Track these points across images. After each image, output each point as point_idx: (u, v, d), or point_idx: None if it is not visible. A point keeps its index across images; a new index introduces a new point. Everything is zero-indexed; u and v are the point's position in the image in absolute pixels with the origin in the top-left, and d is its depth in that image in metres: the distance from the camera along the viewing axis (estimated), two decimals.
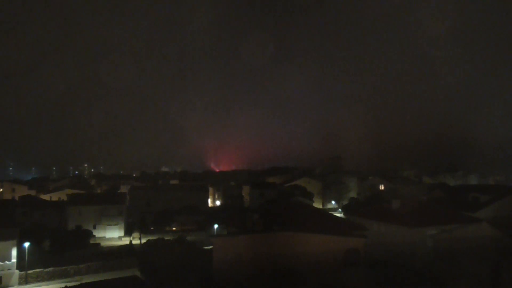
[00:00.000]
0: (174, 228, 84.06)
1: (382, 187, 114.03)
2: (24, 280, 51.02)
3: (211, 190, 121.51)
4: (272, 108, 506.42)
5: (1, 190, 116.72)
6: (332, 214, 51.19)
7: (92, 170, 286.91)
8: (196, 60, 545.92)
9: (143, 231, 76.89)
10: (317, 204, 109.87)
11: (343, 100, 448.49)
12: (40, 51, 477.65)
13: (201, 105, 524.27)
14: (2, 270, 49.95)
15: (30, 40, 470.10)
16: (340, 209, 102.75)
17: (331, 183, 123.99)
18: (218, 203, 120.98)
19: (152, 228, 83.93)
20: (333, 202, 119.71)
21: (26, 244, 52.98)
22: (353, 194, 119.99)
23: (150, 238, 63.81)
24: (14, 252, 51.07)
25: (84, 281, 45.19)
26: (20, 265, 51.53)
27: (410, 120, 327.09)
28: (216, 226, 72.55)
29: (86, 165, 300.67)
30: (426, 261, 40.08)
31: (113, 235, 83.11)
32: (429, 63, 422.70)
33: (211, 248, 40.06)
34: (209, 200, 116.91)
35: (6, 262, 50.19)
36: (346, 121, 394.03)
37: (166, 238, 60.35)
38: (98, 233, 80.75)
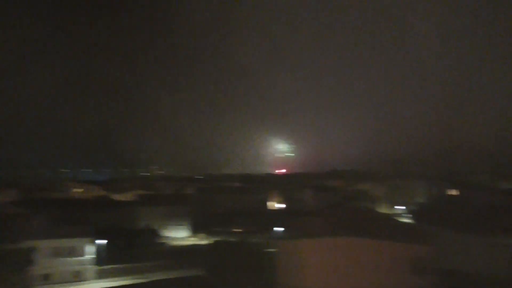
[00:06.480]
0: (237, 230, 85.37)
1: (452, 192, 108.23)
2: (99, 275, 54.42)
3: (272, 192, 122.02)
4: (333, 108, 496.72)
5: (82, 190, 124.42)
6: (398, 220, 49.54)
7: (160, 172, 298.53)
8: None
9: (208, 232, 78.90)
10: (381, 209, 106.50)
11: (408, 100, 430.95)
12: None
13: (270, 108, 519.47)
14: (80, 265, 53.65)
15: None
16: (406, 215, 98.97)
17: (396, 187, 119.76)
18: (279, 206, 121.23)
19: (216, 229, 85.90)
20: (398, 207, 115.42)
21: (101, 242, 56.60)
22: (420, 199, 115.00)
23: (215, 239, 65.42)
24: (90, 249, 54.65)
25: (153, 279, 47.29)
26: (95, 261, 55.05)
27: (482, 119, 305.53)
28: (277, 229, 72.78)
29: (154, 167, 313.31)
30: (503, 273, 37.60)
31: (179, 235, 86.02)
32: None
33: (274, 251, 40.39)
34: (271, 203, 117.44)
35: (83, 257, 53.80)
36: (412, 121, 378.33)
37: (230, 239, 61.57)
38: (165, 233, 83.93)
